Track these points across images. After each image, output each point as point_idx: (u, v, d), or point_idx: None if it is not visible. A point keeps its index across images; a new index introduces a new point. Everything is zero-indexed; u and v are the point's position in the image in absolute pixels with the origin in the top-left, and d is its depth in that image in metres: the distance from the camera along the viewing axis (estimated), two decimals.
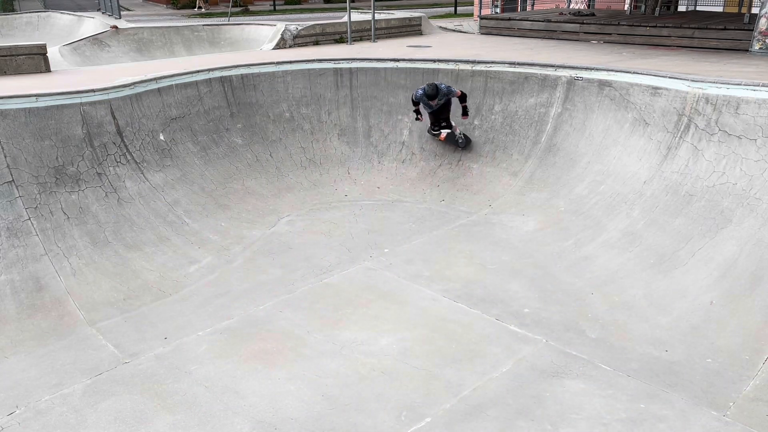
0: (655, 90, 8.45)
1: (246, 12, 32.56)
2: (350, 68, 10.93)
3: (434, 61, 10.84)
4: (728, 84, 7.59)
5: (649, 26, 13.10)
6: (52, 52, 13.05)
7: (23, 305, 6.45)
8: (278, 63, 10.73)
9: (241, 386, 5.42)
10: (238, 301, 6.89)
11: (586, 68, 9.58)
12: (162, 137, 8.94)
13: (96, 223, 7.49)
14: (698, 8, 20.96)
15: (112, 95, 8.43)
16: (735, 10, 19.24)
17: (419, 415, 5.02)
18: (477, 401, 5.17)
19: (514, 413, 5.01)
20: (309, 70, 10.82)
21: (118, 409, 5.15)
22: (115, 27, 16.56)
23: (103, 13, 21.91)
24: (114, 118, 8.35)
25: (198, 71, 9.84)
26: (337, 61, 10.94)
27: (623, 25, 13.53)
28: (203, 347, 6.02)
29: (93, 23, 18.90)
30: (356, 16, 15.80)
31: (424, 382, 5.43)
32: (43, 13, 22.21)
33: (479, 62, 10.55)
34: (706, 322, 6.07)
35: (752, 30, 11.33)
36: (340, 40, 14.75)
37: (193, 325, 6.43)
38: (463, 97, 9.88)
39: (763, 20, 10.97)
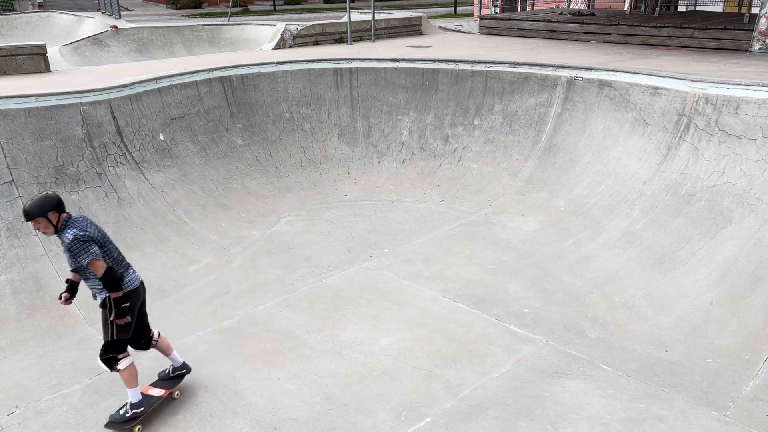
0: (655, 90, 8.45)
1: (246, 12, 32.56)
2: (350, 68, 10.93)
3: (434, 61, 10.84)
4: (728, 84, 7.59)
5: (649, 26, 13.10)
6: (52, 52, 13.04)
7: (23, 305, 6.45)
8: (278, 63, 10.73)
9: (241, 386, 5.42)
10: (238, 301, 6.88)
11: (586, 68, 9.57)
12: (162, 137, 8.94)
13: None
14: (698, 8, 20.96)
15: (112, 95, 8.43)
16: (735, 10, 19.25)
17: (419, 415, 5.02)
18: (477, 401, 5.17)
19: (514, 413, 5.01)
20: (309, 70, 10.82)
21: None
22: (115, 27, 16.56)
23: (102, 13, 21.91)
24: (114, 118, 8.34)
25: (198, 71, 9.84)
26: (336, 61, 10.94)
27: (623, 25, 13.52)
28: (203, 347, 6.02)
29: (93, 23, 18.90)
30: (356, 16, 15.80)
31: (424, 382, 5.43)
32: (43, 13, 22.21)
33: (479, 62, 10.55)
34: (706, 322, 6.07)
35: (752, 30, 11.32)
36: (340, 40, 14.75)
37: (193, 325, 6.43)
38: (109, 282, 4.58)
39: (763, 20, 10.97)
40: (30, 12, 22.97)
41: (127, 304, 4.64)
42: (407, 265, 7.63)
